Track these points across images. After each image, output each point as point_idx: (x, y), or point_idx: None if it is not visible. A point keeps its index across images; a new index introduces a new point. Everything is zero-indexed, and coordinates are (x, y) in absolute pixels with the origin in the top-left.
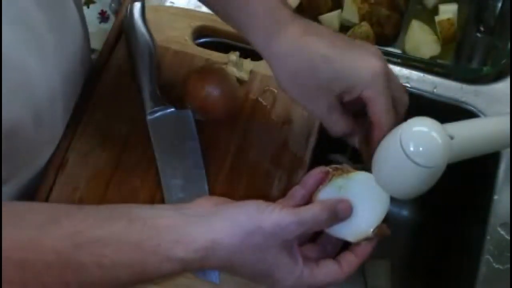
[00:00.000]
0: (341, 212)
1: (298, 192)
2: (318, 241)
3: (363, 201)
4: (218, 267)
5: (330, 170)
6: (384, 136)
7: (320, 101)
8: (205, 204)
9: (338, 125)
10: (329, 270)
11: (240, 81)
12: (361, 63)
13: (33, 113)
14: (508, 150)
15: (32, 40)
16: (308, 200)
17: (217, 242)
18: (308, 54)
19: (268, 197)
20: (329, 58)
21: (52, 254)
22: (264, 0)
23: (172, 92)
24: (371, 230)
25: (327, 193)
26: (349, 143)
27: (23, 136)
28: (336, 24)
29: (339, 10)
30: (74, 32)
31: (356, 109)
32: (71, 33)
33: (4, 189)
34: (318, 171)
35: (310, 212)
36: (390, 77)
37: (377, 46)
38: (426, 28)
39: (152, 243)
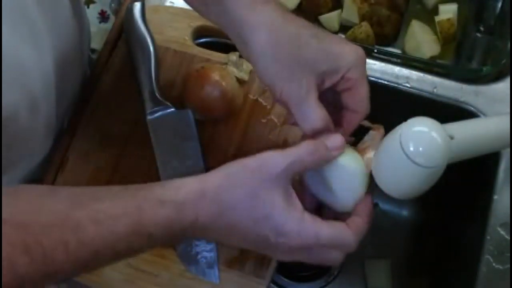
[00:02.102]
0: (330, 142)
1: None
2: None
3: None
4: (212, 218)
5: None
6: (355, 127)
7: (300, 81)
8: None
9: (311, 116)
10: (336, 227)
11: (240, 81)
12: (345, 46)
13: (29, 102)
14: (508, 150)
15: (24, 27)
16: None
17: (206, 186)
18: (294, 28)
19: None
20: (317, 36)
21: (49, 215)
22: None
23: (172, 92)
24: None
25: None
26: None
27: (19, 124)
28: (336, 24)
29: (339, 10)
30: (67, 19)
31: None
32: (64, 20)
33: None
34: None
35: (296, 146)
36: (365, 72)
37: (377, 46)
38: (426, 28)
39: (145, 191)
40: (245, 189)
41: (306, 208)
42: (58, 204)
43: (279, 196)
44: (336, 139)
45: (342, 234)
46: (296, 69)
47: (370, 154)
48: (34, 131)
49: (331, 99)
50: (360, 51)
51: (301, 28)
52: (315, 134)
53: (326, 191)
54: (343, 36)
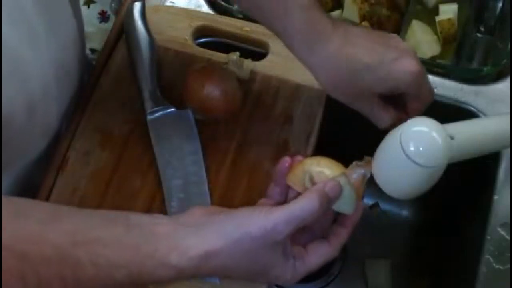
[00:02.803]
0: (330, 192)
1: (274, 190)
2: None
3: None
4: (213, 274)
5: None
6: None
7: (364, 100)
8: (197, 214)
9: (383, 119)
10: (319, 251)
11: (240, 81)
12: (400, 66)
13: (26, 101)
14: (508, 150)
15: (23, 28)
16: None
17: (209, 252)
18: (349, 64)
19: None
20: (369, 66)
21: (51, 248)
22: (303, 10)
23: (172, 92)
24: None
25: None
26: None
27: (17, 125)
28: None
29: (339, 10)
30: (66, 21)
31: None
32: (63, 21)
33: None
34: (283, 161)
35: (298, 206)
36: (424, 75)
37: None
38: (426, 28)
39: (149, 247)
40: (247, 256)
41: None
42: (60, 237)
43: (278, 255)
44: (335, 188)
45: (326, 255)
46: (357, 95)
47: (354, 176)
48: (30, 132)
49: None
50: (414, 68)
51: (357, 61)
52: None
53: None
54: None
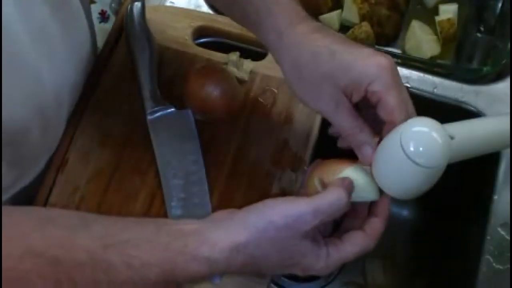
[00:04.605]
0: (348, 186)
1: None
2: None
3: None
4: (243, 266)
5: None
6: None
7: (325, 95)
8: (221, 213)
9: (347, 124)
10: (354, 239)
11: (240, 81)
12: (366, 60)
13: (41, 118)
14: (508, 150)
15: (45, 49)
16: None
17: (237, 244)
18: (313, 46)
19: (268, 197)
20: (333, 51)
21: (83, 253)
22: (282, 3)
23: (172, 92)
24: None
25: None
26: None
27: (30, 141)
28: (336, 24)
29: (339, 10)
30: (83, 39)
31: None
32: (80, 40)
33: (5, 195)
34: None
35: (326, 199)
36: (397, 73)
37: (377, 46)
38: (426, 28)
39: (179, 244)
40: (275, 245)
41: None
42: (91, 242)
43: (307, 246)
44: (349, 182)
45: (362, 243)
46: (318, 87)
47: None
48: (43, 146)
49: (371, 113)
50: (384, 62)
51: (323, 46)
52: (354, 141)
53: None
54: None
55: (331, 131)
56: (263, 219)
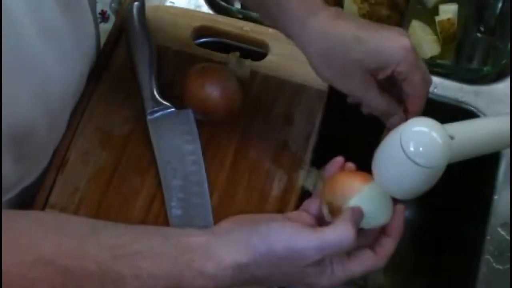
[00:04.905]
0: (358, 219)
1: (312, 204)
2: None
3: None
4: (246, 283)
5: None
6: (422, 107)
7: (355, 79)
8: (227, 223)
9: (377, 101)
10: (362, 258)
11: (240, 81)
12: (391, 42)
13: (47, 115)
14: (508, 150)
15: (53, 46)
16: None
17: (238, 263)
18: (339, 35)
19: (268, 197)
20: (360, 38)
21: (93, 263)
22: None
23: (172, 92)
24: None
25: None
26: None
27: (36, 138)
28: None
29: None
30: (89, 36)
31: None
32: (86, 38)
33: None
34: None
35: (334, 237)
36: (417, 52)
37: None
38: (426, 28)
39: (187, 258)
40: (276, 269)
41: None
42: (101, 252)
43: (309, 271)
44: (358, 210)
45: (371, 263)
46: (348, 72)
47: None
48: (46, 146)
49: (396, 87)
50: (406, 44)
51: (348, 33)
52: (383, 113)
53: None
54: None
55: (349, 100)
56: (265, 245)
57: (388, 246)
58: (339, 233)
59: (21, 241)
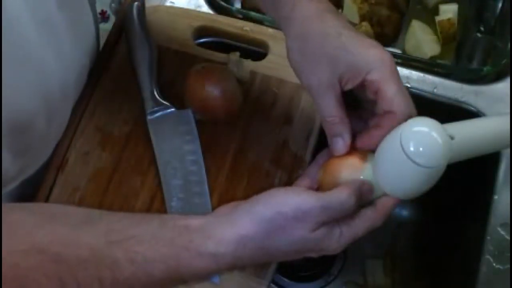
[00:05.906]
0: (364, 195)
1: (311, 170)
2: None
3: None
4: (252, 258)
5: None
6: (397, 124)
7: (321, 73)
8: (224, 207)
9: (330, 110)
10: (365, 214)
11: (240, 81)
12: (370, 50)
13: (47, 108)
14: (508, 150)
15: (52, 39)
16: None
17: (243, 236)
18: (324, 25)
19: None
20: (341, 33)
21: (86, 250)
22: None
23: (172, 92)
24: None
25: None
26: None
27: (36, 131)
28: None
29: (339, 10)
30: (88, 31)
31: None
32: (85, 32)
33: (10, 186)
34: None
35: (336, 198)
36: (397, 70)
37: None
38: (426, 28)
39: (184, 239)
40: (284, 232)
41: None
42: (95, 238)
43: (319, 234)
44: (369, 187)
45: (372, 221)
46: (317, 64)
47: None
48: (48, 137)
49: (371, 107)
50: (386, 56)
51: (332, 27)
52: (329, 128)
53: None
54: None
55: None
56: (271, 210)
57: (388, 203)
58: (340, 194)
59: (14, 231)
